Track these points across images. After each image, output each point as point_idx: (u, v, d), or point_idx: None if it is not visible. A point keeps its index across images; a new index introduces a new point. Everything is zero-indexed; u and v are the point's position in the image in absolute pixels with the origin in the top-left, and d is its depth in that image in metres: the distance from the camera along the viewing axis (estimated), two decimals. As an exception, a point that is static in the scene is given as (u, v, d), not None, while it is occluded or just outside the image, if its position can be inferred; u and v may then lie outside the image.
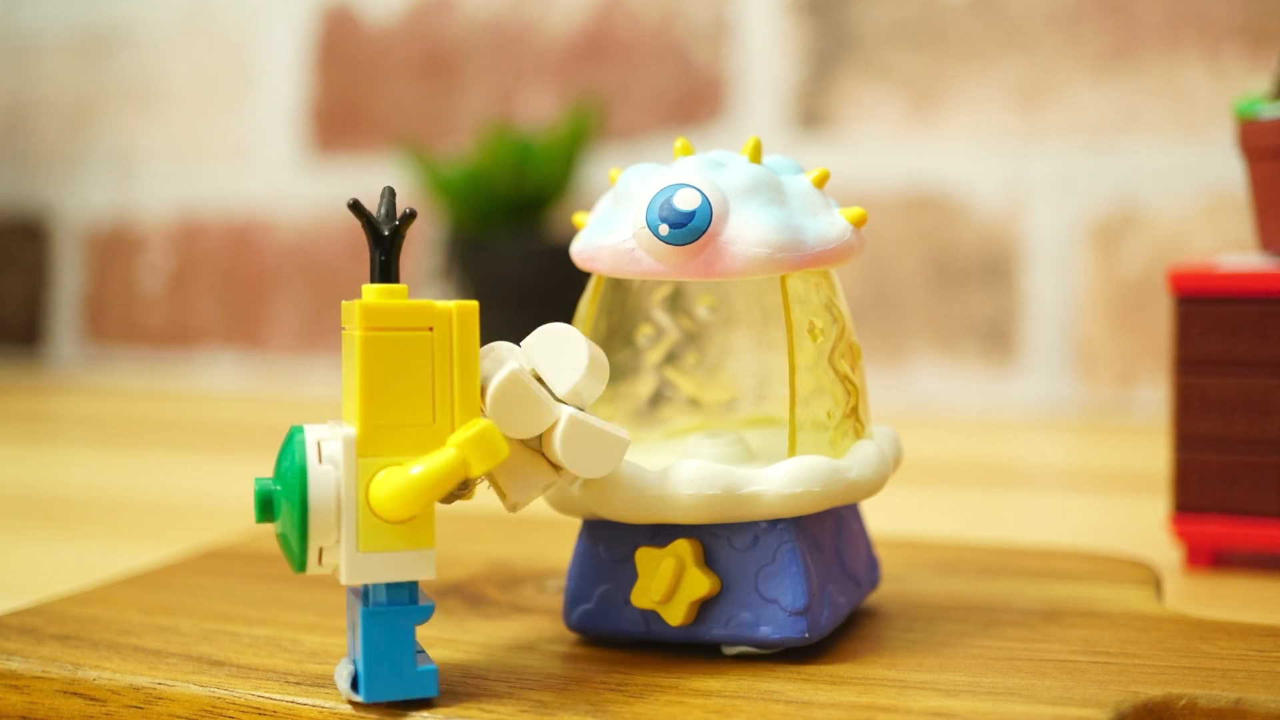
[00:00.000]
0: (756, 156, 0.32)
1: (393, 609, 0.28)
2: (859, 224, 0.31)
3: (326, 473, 0.27)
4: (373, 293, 0.28)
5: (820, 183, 0.32)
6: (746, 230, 0.30)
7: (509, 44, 1.04)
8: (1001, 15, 0.89)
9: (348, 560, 0.27)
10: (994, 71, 0.90)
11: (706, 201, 0.30)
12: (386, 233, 0.29)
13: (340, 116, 1.10)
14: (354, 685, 0.28)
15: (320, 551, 0.28)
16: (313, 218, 1.11)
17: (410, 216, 0.29)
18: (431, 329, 0.28)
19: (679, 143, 0.32)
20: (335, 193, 1.10)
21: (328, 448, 0.28)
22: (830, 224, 0.31)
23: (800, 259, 0.30)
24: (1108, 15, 0.87)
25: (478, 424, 0.27)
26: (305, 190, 1.11)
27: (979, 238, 0.90)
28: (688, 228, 0.30)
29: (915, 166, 0.92)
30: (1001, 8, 0.90)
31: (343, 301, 0.30)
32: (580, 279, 0.37)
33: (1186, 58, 0.85)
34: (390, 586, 0.28)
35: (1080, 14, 0.88)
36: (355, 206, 0.29)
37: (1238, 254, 0.50)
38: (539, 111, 1.03)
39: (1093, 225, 0.88)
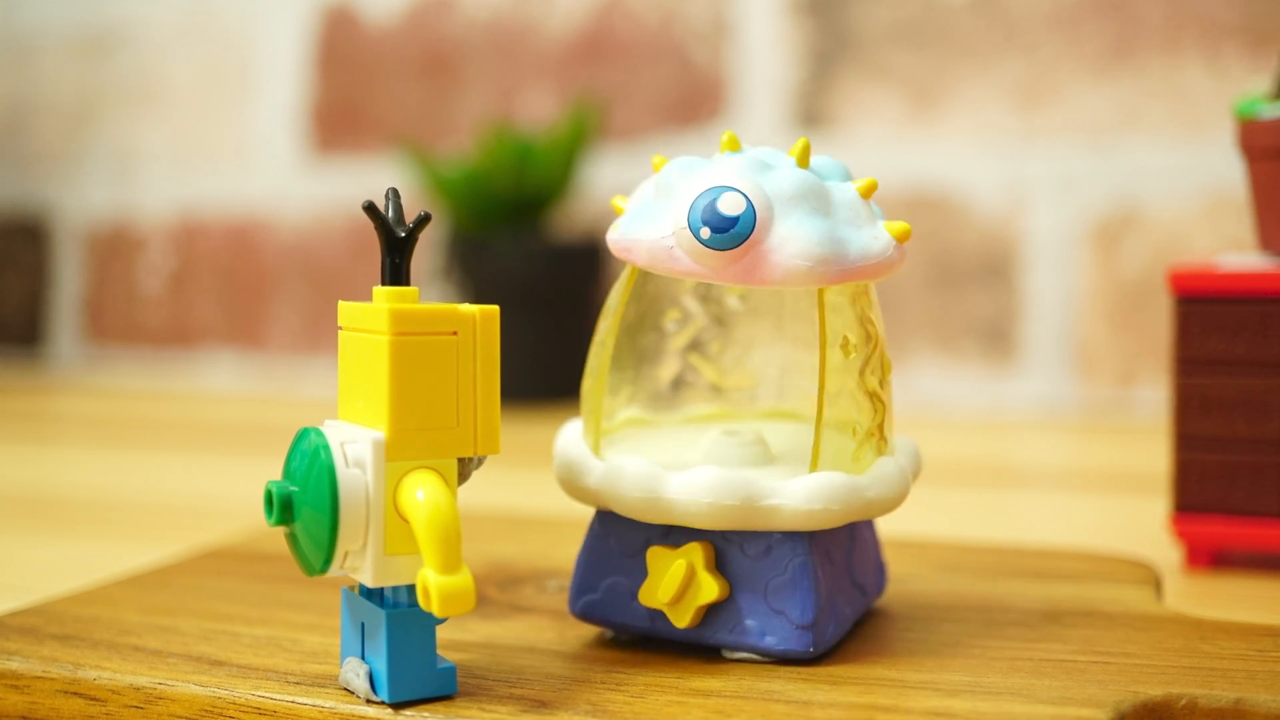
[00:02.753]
0: (804, 160, 0.31)
1: (414, 610, 0.28)
2: (902, 239, 0.31)
3: (355, 476, 0.27)
4: (385, 296, 0.28)
5: (867, 193, 0.31)
6: (789, 241, 0.29)
7: (509, 44, 1.04)
8: (1001, 15, 0.89)
9: (374, 563, 0.27)
10: (994, 71, 0.90)
11: (751, 208, 0.29)
12: (402, 235, 0.29)
13: (340, 116, 1.10)
14: (372, 685, 0.28)
15: (345, 555, 0.28)
16: (313, 218, 1.11)
17: (424, 220, 0.28)
18: (456, 333, 0.28)
19: (725, 136, 0.32)
20: (335, 193, 1.10)
21: (351, 450, 0.28)
22: (874, 238, 0.30)
23: (840, 273, 0.30)
24: (1108, 15, 0.87)
25: (465, 583, 0.26)
26: (305, 190, 1.11)
27: (979, 238, 0.90)
28: (730, 233, 0.29)
29: (915, 166, 0.92)
30: (1001, 8, 0.89)
31: (340, 301, 0.30)
32: (579, 281, 0.37)
33: (1186, 58, 0.85)
34: (411, 588, 0.28)
35: (1080, 14, 0.88)
36: (370, 209, 0.28)
37: (1238, 254, 0.50)
38: (539, 111, 1.03)
39: (1093, 225, 0.88)
